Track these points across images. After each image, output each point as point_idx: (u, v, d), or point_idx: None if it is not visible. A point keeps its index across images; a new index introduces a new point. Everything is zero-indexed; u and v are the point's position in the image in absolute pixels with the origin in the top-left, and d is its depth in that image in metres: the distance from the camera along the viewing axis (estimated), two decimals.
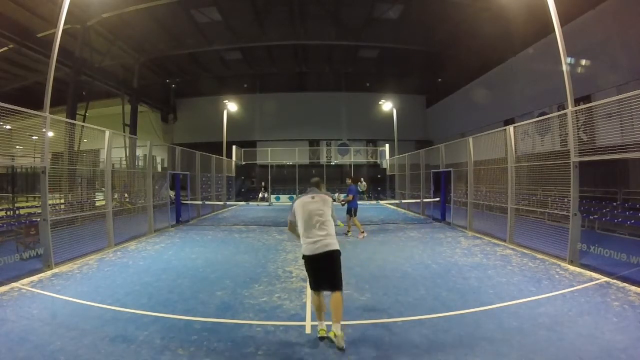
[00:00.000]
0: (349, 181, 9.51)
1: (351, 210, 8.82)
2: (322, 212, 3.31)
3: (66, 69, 14.00)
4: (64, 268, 5.78)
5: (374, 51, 20.77)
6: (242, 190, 23.46)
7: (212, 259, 6.40)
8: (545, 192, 7.24)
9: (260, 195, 20.49)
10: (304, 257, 3.29)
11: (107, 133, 7.62)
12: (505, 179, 7.68)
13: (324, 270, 3.20)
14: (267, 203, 19.97)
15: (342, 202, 9.11)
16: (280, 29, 17.73)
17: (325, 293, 3.27)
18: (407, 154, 16.41)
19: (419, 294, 4.42)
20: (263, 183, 21.05)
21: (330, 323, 3.14)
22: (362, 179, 20.53)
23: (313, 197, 3.40)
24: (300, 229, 3.32)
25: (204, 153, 14.00)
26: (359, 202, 9.19)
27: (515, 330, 3.32)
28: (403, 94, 24.08)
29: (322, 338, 3.16)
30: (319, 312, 3.27)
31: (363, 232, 8.59)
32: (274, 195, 21.74)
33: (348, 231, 8.95)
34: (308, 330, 3.39)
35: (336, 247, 3.24)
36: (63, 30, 6.54)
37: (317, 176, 3.83)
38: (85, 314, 3.81)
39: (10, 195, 14.47)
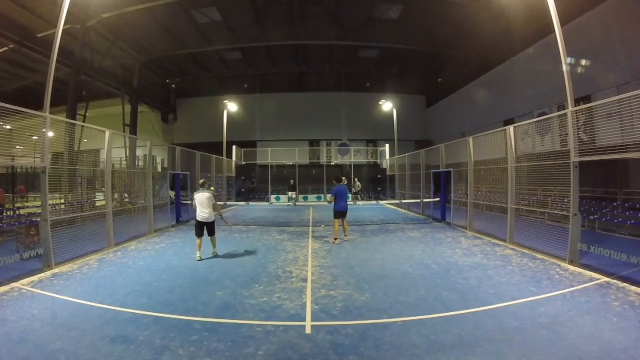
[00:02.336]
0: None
1: (336, 213, 8.09)
2: (206, 200, 6.49)
3: (66, 69, 13.97)
4: (64, 268, 5.78)
5: (374, 51, 20.72)
6: (242, 190, 23.45)
7: (212, 259, 6.40)
8: (545, 192, 7.24)
9: (289, 194, 20.07)
10: (197, 220, 6.49)
11: (107, 133, 7.62)
12: (505, 179, 7.67)
13: (207, 229, 6.55)
14: (291, 203, 19.61)
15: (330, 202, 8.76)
16: (280, 29, 17.70)
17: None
18: (407, 154, 16.39)
19: (419, 294, 4.42)
20: (292, 181, 20.05)
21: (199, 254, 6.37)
22: (356, 179, 20.46)
23: (203, 193, 6.54)
24: (197, 207, 6.47)
25: (204, 153, 13.97)
26: (359, 204, 8.96)
27: (515, 330, 3.32)
28: (403, 94, 24.05)
29: (199, 261, 6.22)
30: (199, 248, 6.41)
31: (336, 239, 7.94)
32: (274, 196, 21.72)
33: (335, 238, 8.00)
34: (308, 330, 3.40)
35: (212, 219, 6.58)
36: (63, 30, 6.53)
37: (204, 180, 7.34)
38: (85, 314, 3.81)
39: (10, 195, 14.46)
